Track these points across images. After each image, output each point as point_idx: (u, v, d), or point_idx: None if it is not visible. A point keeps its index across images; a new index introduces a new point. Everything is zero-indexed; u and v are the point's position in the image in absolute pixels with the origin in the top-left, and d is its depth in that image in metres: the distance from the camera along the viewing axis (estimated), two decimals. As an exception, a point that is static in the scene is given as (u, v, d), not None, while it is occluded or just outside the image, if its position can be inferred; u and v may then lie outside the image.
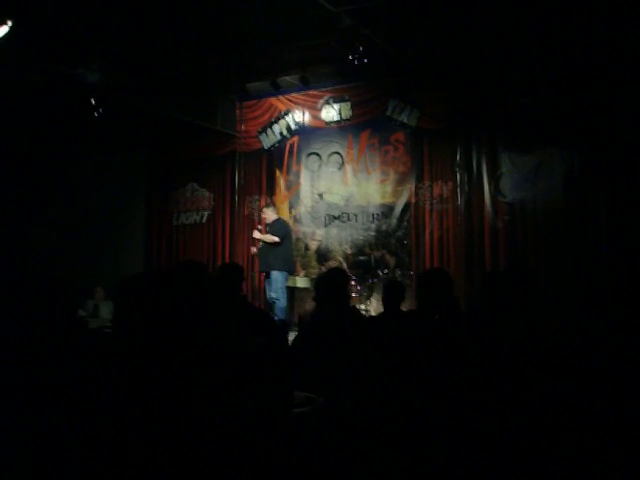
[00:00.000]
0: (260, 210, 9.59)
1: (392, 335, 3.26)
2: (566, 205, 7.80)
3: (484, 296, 3.70)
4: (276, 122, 9.75)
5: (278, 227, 8.70)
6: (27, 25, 6.49)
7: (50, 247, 10.53)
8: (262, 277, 9.19)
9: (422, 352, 2.65)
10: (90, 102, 8.23)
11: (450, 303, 3.38)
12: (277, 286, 8.34)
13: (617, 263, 7.17)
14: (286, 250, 8.59)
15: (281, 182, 9.92)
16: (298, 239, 9.55)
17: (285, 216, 9.50)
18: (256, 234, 8.69)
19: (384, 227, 9.04)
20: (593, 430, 2.31)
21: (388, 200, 9.04)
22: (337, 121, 9.32)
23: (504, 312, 3.30)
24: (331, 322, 3.58)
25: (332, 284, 3.81)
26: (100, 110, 8.32)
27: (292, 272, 8.84)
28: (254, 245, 8.93)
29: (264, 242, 8.54)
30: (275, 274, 8.39)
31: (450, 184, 8.60)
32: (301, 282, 9.14)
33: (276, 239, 8.44)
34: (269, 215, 8.90)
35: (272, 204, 9.35)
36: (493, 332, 3.02)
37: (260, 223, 9.31)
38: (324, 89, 9.32)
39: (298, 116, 9.59)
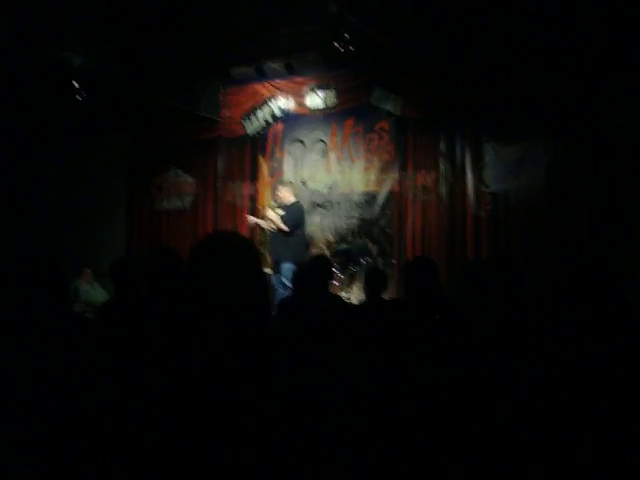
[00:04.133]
0: (276, 190, 8.79)
1: (377, 323, 3.27)
2: (549, 196, 7.86)
3: (466, 286, 3.72)
4: (260, 108, 9.68)
5: (294, 214, 8.17)
6: (9, 7, 6.40)
7: (30, 231, 10.43)
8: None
9: (410, 340, 2.66)
10: (73, 85, 8.14)
11: (437, 291, 3.37)
12: (289, 276, 7.31)
13: (598, 254, 7.24)
14: (298, 238, 8.14)
15: (264, 168, 9.87)
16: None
17: (267, 203, 9.18)
18: (271, 214, 8.16)
19: (367, 215, 9.04)
20: (578, 421, 2.34)
21: (372, 188, 9.04)
22: (322, 109, 9.28)
23: (487, 302, 3.31)
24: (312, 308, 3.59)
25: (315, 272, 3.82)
26: (83, 94, 8.24)
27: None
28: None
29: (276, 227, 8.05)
30: (287, 266, 7.76)
31: (433, 174, 8.61)
32: None
33: (285, 229, 7.96)
34: (286, 195, 8.38)
35: (289, 182, 8.75)
36: (477, 322, 3.04)
37: (244, 209, 9.16)
38: (309, 76, 9.28)
39: (282, 103, 9.52)
